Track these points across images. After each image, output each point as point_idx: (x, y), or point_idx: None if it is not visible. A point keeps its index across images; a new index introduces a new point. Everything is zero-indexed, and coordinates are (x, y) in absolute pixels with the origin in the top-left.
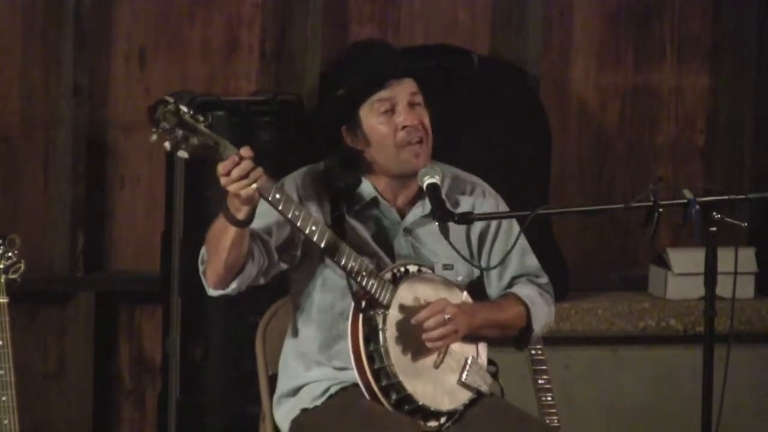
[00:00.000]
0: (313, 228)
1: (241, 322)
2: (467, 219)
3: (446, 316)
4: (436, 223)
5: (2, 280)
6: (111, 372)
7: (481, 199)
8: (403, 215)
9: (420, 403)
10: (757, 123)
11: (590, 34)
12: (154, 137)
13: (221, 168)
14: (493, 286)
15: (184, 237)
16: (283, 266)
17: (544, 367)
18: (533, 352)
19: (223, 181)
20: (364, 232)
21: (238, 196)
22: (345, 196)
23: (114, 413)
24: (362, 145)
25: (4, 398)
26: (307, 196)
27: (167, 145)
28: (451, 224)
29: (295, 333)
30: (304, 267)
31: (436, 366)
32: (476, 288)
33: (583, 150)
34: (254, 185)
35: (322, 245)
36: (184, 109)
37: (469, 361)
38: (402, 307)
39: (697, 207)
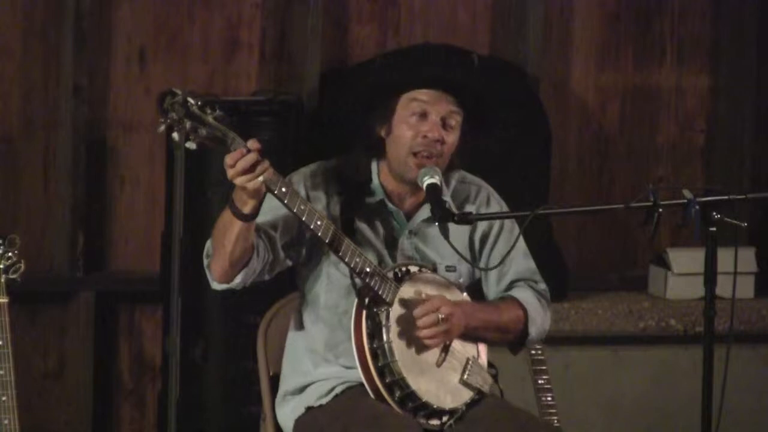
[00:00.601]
0: (319, 223)
1: (241, 322)
2: (466, 219)
3: (440, 316)
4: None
5: (2, 280)
6: (111, 372)
7: (485, 208)
8: (409, 217)
9: (423, 401)
10: (757, 123)
11: (590, 34)
12: (162, 127)
13: (228, 159)
14: (492, 289)
15: (184, 237)
16: (289, 263)
17: (544, 367)
18: (533, 352)
19: (229, 173)
20: (370, 231)
21: (244, 189)
22: (354, 194)
23: (114, 413)
24: (384, 133)
25: (4, 398)
26: (315, 191)
27: (175, 135)
28: (455, 227)
29: (303, 328)
30: (311, 265)
31: (439, 364)
32: (476, 289)
33: (583, 150)
34: (260, 178)
35: (327, 240)
36: (191, 100)
37: (470, 361)
38: (405, 305)
39: (697, 207)
